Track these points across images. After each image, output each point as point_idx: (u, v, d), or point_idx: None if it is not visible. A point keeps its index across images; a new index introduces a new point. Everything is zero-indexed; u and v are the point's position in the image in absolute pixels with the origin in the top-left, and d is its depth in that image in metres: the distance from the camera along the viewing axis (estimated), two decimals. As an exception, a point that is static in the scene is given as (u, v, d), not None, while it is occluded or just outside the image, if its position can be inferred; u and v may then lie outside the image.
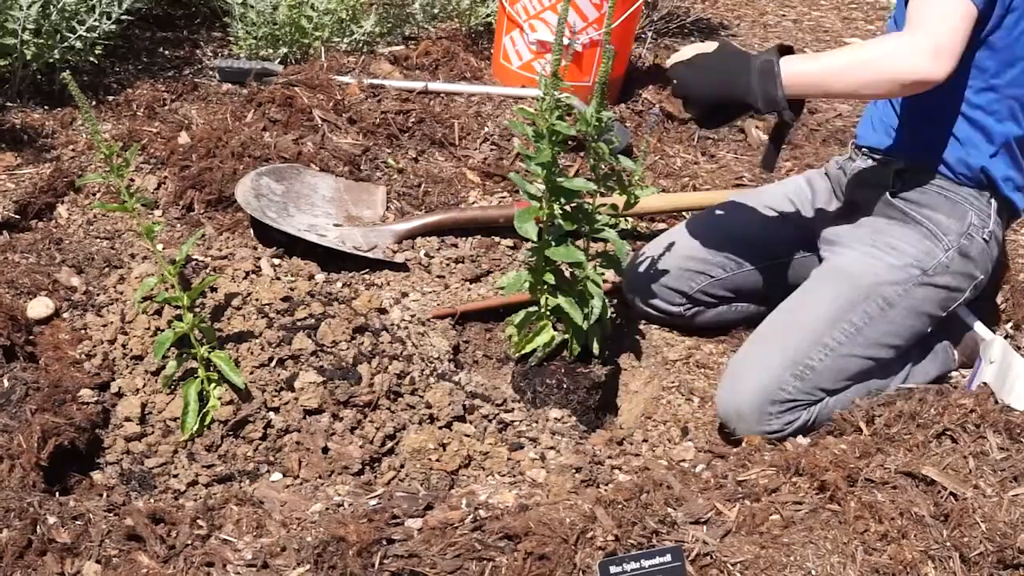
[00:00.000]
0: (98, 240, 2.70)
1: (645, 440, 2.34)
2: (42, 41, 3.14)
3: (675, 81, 2.21)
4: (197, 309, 2.25)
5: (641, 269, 2.57)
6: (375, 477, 2.12)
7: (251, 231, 2.72)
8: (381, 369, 2.23)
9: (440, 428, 2.20)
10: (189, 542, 1.73)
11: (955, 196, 2.24)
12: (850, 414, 2.17)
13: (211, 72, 3.65)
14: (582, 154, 3.17)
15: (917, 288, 2.24)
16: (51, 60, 3.21)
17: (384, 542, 1.70)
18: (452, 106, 3.36)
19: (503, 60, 3.58)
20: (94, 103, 3.28)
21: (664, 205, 3.00)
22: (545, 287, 2.31)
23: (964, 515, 1.73)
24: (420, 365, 2.30)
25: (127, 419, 2.14)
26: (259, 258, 2.47)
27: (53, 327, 2.31)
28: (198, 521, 1.78)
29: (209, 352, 2.14)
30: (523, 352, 2.39)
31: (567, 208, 2.25)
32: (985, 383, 2.14)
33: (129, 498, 1.96)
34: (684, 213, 3.05)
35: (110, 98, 3.34)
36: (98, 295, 2.42)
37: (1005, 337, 2.50)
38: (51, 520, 1.72)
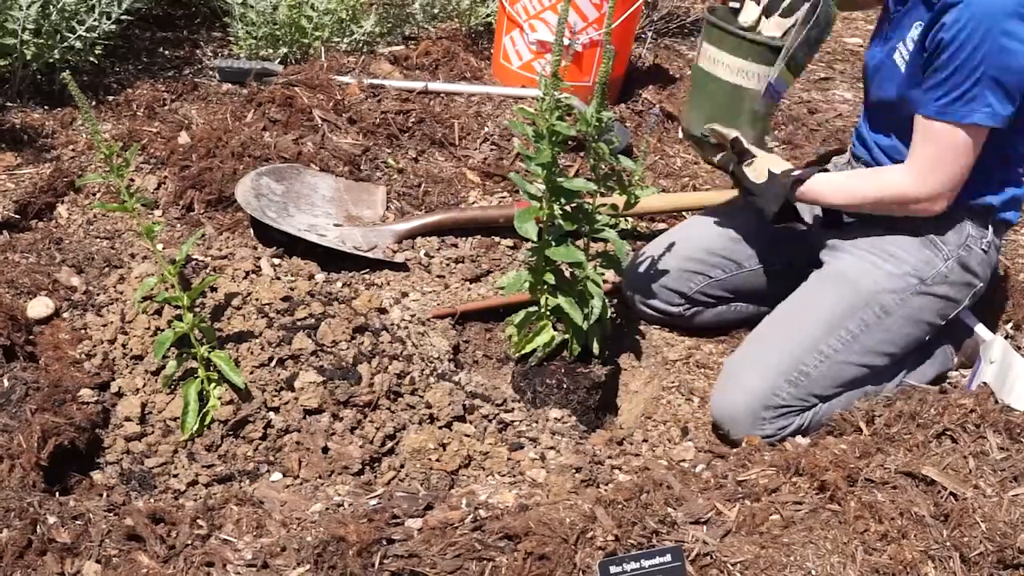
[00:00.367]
0: (98, 240, 2.70)
1: (645, 440, 2.34)
2: (42, 41, 3.14)
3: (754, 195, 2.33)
4: (197, 309, 2.25)
5: (641, 269, 2.58)
6: (375, 477, 2.12)
7: (251, 231, 2.72)
8: (381, 369, 2.23)
9: (440, 428, 2.20)
10: (189, 542, 1.73)
11: (951, 209, 2.23)
12: (850, 414, 2.17)
13: (211, 72, 3.65)
14: (582, 154, 3.17)
15: (915, 297, 2.24)
16: (51, 60, 3.21)
17: (384, 542, 1.70)
18: (452, 106, 3.37)
19: (503, 60, 3.58)
20: (94, 103, 3.28)
21: (664, 205, 3.00)
22: (545, 287, 2.31)
23: (964, 515, 1.73)
24: (420, 365, 2.30)
25: (127, 419, 2.14)
26: (259, 258, 2.47)
27: (53, 327, 2.31)
28: (198, 521, 1.78)
29: (209, 352, 2.14)
30: (523, 352, 2.39)
31: (567, 208, 2.25)
32: (985, 383, 2.14)
33: (129, 498, 1.96)
34: (684, 213, 3.05)
35: (110, 98, 3.34)
36: (98, 295, 2.42)
37: (1005, 337, 2.50)
38: (51, 520, 1.72)
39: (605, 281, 2.42)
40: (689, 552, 1.68)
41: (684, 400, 2.48)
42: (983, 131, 2.05)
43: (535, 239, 2.22)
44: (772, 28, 2.28)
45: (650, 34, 4.30)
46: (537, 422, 2.31)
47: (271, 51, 3.64)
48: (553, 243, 2.24)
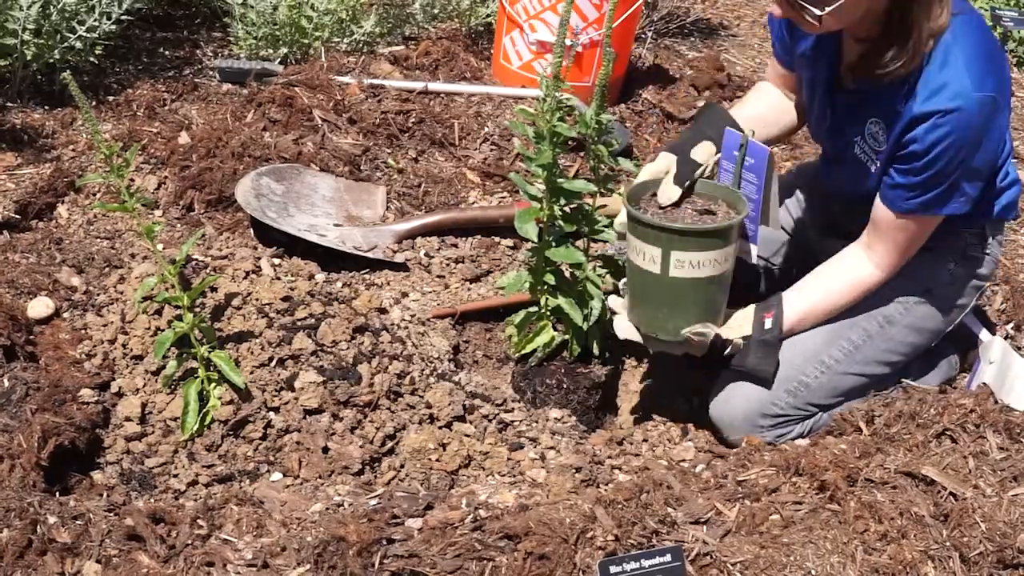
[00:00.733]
0: (98, 240, 2.70)
1: (645, 440, 2.34)
2: (42, 41, 3.14)
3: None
4: (197, 309, 2.25)
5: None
6: (375, 477, 2.12)
7: (251, 231, 2.72)
8: (381, 369, 2.23)
9: (440, 428, 2.20)
10: (189, 542, 1.73)
11: (948, 221, 2.21)
12: (850, 414, 2.17)
13: (211, 72, 3.65)
14: (582, 155, 3.17)
15: (918, 306, 2.22)
16: (51, 60, 3.21)
17: (384, 542, 1.70)
18: (452, 106, 3.37)
19: (503, 60, 3.58)
20: (94, 103, 3.28)
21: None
22: (545, 287, 2.31)
23: (964, 515, 1.73)
24: (420, 365, 2.30)
25: (127, 419, 2.14)
26: (259, 258, 2.47)
27: (53, 327, 2.31)
28: (198, 521, 1.78)
29: (209, 352, 2.14)
30: (523, 352, 2.39)
31: (567, 209, 2.25)
32: (985, 383, 2.14)
33: (129, 498, 1.96)
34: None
35: (110, 98, 3.34)
36: (98, 295, 2.42)
37: (1005, 337, 2.50)
38: (51, 520, 1.72)
39: (605, 282, 2.42)
40: (689, 552, 1.68)
41: (684, 400, 2.48)
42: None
43: (535, 240, 2.22)
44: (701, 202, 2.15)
45: (650, 34, 4.30)
46: (537, 422, 2.31)
47: (271, 51, 3.64)
48: (553, 244, 2.24)
